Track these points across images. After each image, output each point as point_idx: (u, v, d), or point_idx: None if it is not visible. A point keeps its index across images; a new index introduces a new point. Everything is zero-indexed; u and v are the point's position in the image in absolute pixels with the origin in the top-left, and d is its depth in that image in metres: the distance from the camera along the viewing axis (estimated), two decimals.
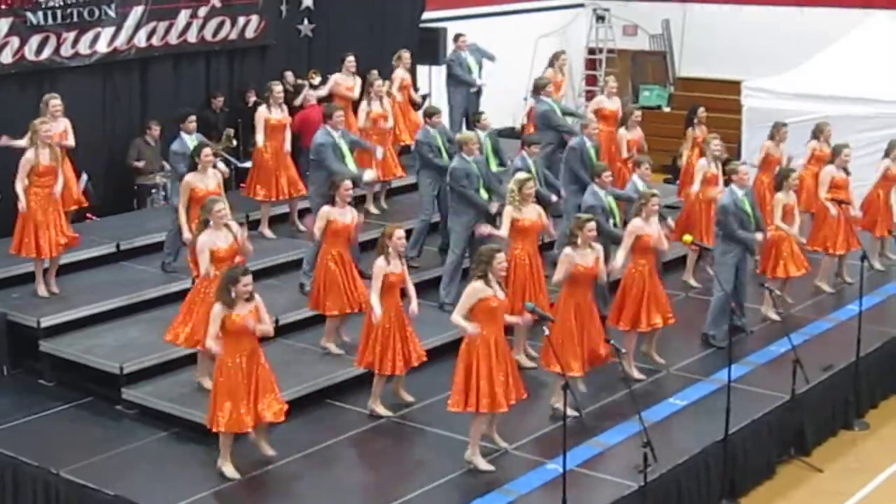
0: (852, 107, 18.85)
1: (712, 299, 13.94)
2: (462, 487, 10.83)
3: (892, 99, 19.12)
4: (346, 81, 17.35)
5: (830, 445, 13.08)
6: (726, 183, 14.53)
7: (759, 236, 13.88)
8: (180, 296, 13.70)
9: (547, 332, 10.96)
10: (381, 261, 11.71)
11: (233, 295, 10.55)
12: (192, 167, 13.13)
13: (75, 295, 13.68)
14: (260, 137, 15.61)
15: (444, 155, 15.09)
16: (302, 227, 15.82)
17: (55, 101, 14.30)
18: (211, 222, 11.67)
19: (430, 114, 15.48)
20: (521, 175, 13.25)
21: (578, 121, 16.73)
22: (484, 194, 14.01)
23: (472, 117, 16.55)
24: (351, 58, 17.41)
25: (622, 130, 16.64)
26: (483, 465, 11.11)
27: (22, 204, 13.23)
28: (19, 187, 13.27)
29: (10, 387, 13.02)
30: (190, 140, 14.10)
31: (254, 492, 10.88)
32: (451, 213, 14.26)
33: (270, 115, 15.54)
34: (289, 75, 18.32)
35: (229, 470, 10.95)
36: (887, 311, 15.07)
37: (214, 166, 13.34)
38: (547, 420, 11.90)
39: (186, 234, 12.93)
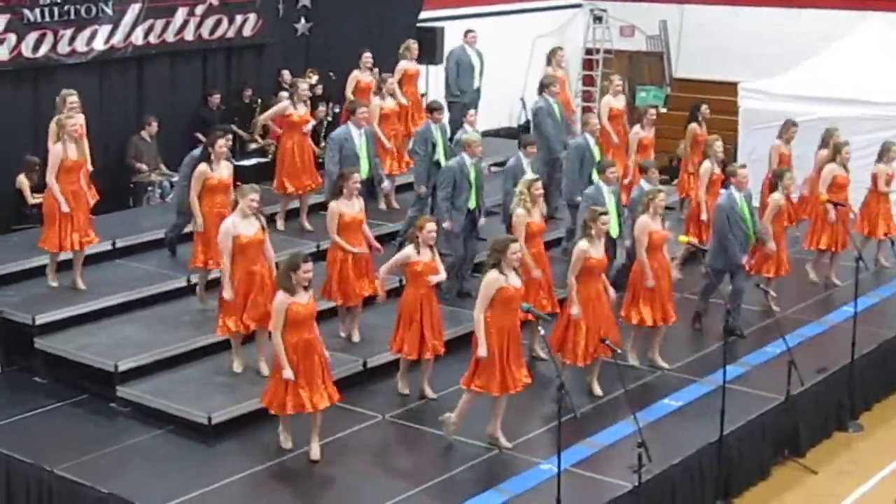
0: (849, 108, 18.87)
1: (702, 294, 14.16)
2: (457, 487, 10.83)
3: (889, 101, 19.14)
4: (363, 77, 17.30)
5: (824, 447, 13.10)
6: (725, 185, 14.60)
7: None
8: (175, 294, 13.77)
9: (543, 332, 11.04)
10: (409, 249, 11.87)
11: (293, 281, 10.67)
12: (206, 157, 13.15)
13: (70, 292, 13.65)
14: (266, 115, 15.52)
15: (442, 151, 15.14)
16: (309, 227, 15.72)
17: (73, 98, 14.21)
18: (241, 205, 11.79)
19: (433, 109, 15.52)
20: (529, 176, 13.29)
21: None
22: (472, 198, 14.16)
23: (461, 113, 16.63)
24: (368, 54, 17.34)
25: (637, 128, 16.64)
26: (504, 442, 11.36)
27: (60, 200, 13.12)
28: (51, 180, 13.18)
29: (5, 384, 12.98)
30: None
31: (249, 489, 10.88)
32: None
33: (295, 110, 15.47)
34: (286, 74, 18.33)
35: (285, 439, 11.26)
36: (882, 314, 15.10)
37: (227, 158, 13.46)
38: (542, 421, 11.90)
39: (200, 221, 13.06)
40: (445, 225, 13.92)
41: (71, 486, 10.85)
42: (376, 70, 17.30)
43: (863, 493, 12.17)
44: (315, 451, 11.17)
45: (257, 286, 11.89)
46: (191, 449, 11.56)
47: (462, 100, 18.21)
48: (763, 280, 14.42)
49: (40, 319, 13.04)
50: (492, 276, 10.99)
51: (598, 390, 12.53)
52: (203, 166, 13.11)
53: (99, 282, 14.00)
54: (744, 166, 14.45)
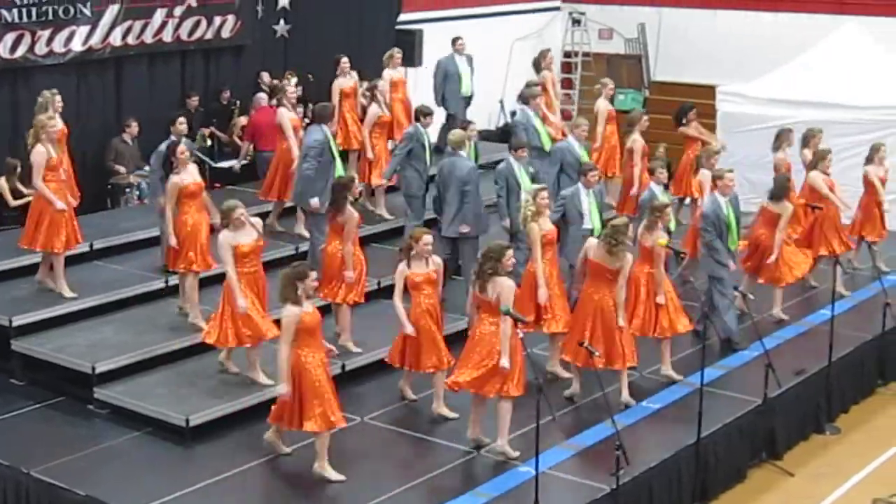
0: (826, 112, 18.89)
1: (718, 304, 13.85)
2: (435, 489, 10.85)
3: (866, 104, 19.21)
4: (347, 83, 17.21)
5: (802, 450, 13.14)
6: None
7: (731, 266, 13.74)
8: (153, 296, 13.74)
9: (522, 335, 10.99)
10: (402, 266, 11.82)
11: (299, 292, 10.53)
12: (170, 167, 13.05)
13: (48, 294, 13.59)
14: (292, 137, 15.35)
15: (428, 156, 15.14)
16: (279, 228, 15.70)
17: (59, 98, 14.25)
18: (230, 222, 11.75)
19: (424, 113, 15.44)
20: (536, 186, 13.37)
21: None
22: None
23: (460, 125, 16.57)
24: (345, 59, 17.23)
25: (636, 135, 16.54)
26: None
27: (50, 197, 13.02)
28: (40, 184, 13.07)
29: None
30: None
31: (227, 491, 10.85)
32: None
33: (293, 115, 15.44)
34: (265, 76, 18.31)
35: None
36: (859, 316, 15.14)
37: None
38: (520, 423, 11.89)
39: (173, 241, 12.88)
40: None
41: (48, 489, 10.81)
42: (354, 73, 17.24)
43: (839, 496, 12.20)
44: (333, 474, 10.96)
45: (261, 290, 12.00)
46: (168, 451, 11.54)
47: (448, 110, 18.28)
48: (746, 284, 14.40)
49: (17, 321, 12.99)
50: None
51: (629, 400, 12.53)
52: (175, 178, 12.96)
53: (77, 283, 13.93)
54: (731, 170, 14.13)
